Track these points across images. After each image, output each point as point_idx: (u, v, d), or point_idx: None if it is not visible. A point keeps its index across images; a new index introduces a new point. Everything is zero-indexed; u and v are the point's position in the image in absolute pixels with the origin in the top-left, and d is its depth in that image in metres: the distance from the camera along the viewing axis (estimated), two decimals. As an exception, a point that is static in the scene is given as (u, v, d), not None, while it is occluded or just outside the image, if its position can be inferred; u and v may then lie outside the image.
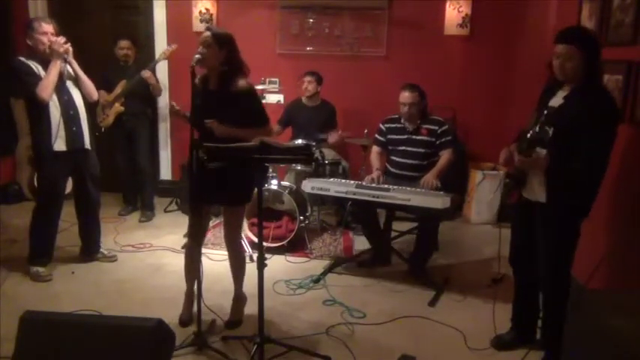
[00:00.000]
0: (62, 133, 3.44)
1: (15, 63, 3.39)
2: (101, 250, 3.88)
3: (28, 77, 3.34)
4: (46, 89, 3.34)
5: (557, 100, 2.48)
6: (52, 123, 3.40)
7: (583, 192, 2.42)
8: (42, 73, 3.37)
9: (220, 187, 2.75)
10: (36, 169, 3.61)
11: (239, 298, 3.04)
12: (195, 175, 2.75)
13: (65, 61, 3.46)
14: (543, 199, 2.48)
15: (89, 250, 3.85)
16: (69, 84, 3.53)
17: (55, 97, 3.40)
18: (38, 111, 3.40)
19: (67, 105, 3.48)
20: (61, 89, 3.45)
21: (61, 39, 3.39)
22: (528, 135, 2.41)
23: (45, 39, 3.37)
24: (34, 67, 3.37)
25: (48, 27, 3.41)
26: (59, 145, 3.44)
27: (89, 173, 3.66)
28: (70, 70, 3.53)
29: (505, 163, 2.64)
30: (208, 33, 2.70)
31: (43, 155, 3.48)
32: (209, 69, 2.73)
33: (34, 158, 3.65)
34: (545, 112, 2.46)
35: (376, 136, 4.02)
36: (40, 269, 3.55)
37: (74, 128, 3.50)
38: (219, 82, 2.75)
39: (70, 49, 3.43)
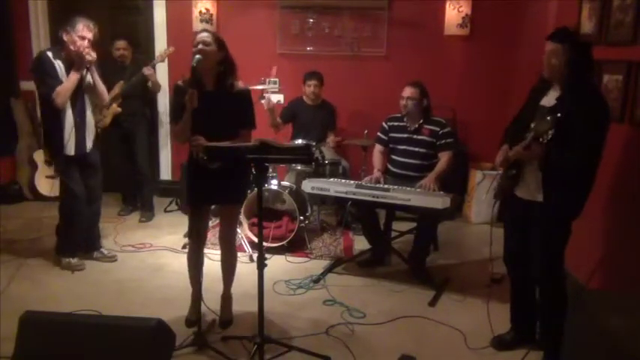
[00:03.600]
0: (72, 138, 3.49)
1: (42, 58, 3.41)
2: (101, 249, 3.89)
3: (48, 78, 3.36)
4: (63, 95, 3.37)
5: (548, 100, 2.51)
6: (66, 128, 3.46)
7: (577, 190, 2.45)
8: (64, 74, 3.40)
9: (219, 187, 2.75)
10: (55, 170, 3.75)
11: (229, 297, 3.07)
12: (193, 176, 2.76)
13: (87, 69, 3.48)
14: (539, 199, 2.50)
15: (88, 246, 3.85)
16: (87, 91, 3.56)
17: (69, 104, 3.44)
18: (54, 115, 3.43)
19: (80, 112, 3.52)
20: (77, 96, 3.49)
21: (89, 48, 3.41)
22: (532, 132, 2.41)
23: (79, 43, 3.37)
24: (57, 67, 3.39)
25: (88, 34, 3.42)
26: (69, 149, 3.51)
27: (91, 171, 3.69)
28: (90, 78, 3.54)
29: (501, 164, 2.65)
30: (207, 33, 2.71)
31: (58, 158, 3.57)
32: (205, 70, 2.69)
33: (51, 161, 3.73)
34: (539, 111, 2.49)
35: (379, 134, 4.02)
36: (72, 260, 3.66)
37: (80, 135, 3.54)
38: (217, 82, 2.75)
39: (95, 58, 3.44)
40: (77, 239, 3.73)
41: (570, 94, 2.40)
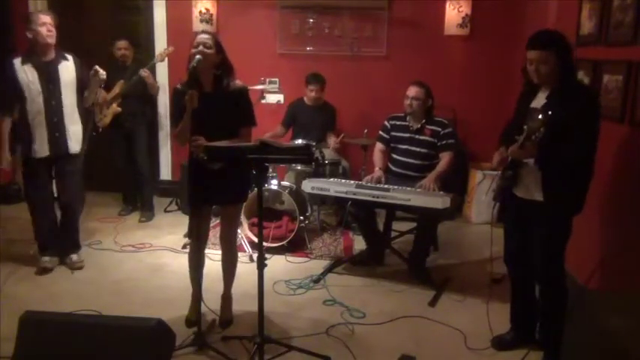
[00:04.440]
0: (44, 138, 3.46)
1: (6, 68, 3.41)
2: (71, 255, 3.75)
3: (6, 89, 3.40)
4: None
5: (538, 102, 2.52)
6: (33, 128, 3.44)
7: (577, 187, 2.46)
8: (34, 77, 3.39)
9: (220, 187, 2.76)
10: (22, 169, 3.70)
11: (229, 297, 3.08)
12: (194, 177, 2.76)
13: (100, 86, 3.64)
14: (539, 198, 2.50)
15: (65, 249, 3.78)
16: (65, 89, 3.51)
17: (41, 102, 3.42)
18: (19, 115, 3.44)
19: (54, 111, 3.48)
20: (50, 94, 3.46)
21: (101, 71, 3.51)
22: (525, 130, 2.42)
23: (44, 30, 3.39)
24: (22, 74, 3.38)
25: (45, 18, 3.43)
26: (41, 150, 3.47)
27: (68, 174, 3.65)
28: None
29: (498, 165, 2.65)
30: (208, 35, 2.73)
31: (24, 158, 3.56)
32: (203, 71, 2.70)
33: (21, 161, 3.68)
34: (530, 113, 2.50)
35: (380, 132, 4.02)
36: (46, 258, 3.65)
37: (56, 134, 3.50)
38: (214, 84, 2.77)
39: (104, 77, 3.54)
40: (46, 238, 3.68)
41: (563, 95, 2.41)
